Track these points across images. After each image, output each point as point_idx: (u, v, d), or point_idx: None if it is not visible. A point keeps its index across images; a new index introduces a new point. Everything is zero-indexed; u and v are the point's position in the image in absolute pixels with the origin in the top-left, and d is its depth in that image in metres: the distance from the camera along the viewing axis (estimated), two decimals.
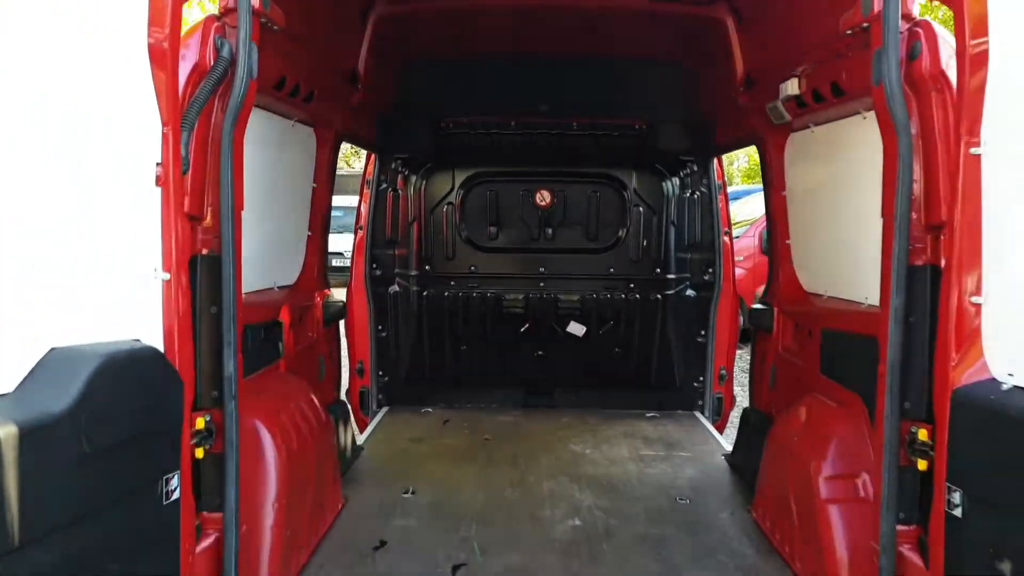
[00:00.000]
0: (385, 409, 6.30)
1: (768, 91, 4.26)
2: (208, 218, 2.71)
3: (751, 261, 11.48)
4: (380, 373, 6.32)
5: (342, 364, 5.24)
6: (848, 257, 3.76)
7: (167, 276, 2.43)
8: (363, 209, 6.18)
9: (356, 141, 5.19)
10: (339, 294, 5.51)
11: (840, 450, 3.35)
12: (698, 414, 6.28)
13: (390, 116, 5.81)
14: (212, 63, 2.60)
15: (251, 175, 3.54)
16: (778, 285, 4.66)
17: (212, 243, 2.70)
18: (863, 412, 3.34)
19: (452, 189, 6.02)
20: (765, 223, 12.78)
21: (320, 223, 4.63)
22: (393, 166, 6.07)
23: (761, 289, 11.28)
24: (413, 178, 6.04)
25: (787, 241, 4.59)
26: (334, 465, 4.07)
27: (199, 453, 2.65)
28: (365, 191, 6.19)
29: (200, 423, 2.66)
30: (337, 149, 4.69)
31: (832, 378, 3.78)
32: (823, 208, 4.10)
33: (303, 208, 4.48)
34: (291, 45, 3.54)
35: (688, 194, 6.10)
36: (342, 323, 6.16)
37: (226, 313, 2.65)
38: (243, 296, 3.42)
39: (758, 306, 4.88)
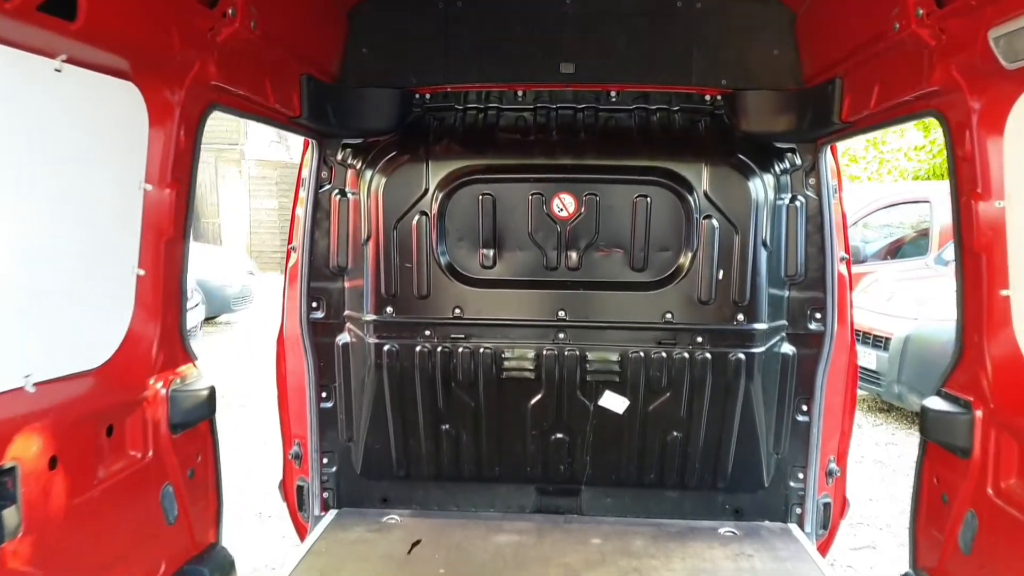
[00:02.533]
0: (332, 514, 4.30)
1: (988, 8, 2.19)
2: None
3: None
4: (324, 461, 4.33)
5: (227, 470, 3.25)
6: None
7: None
8: (298, 218, 4.19)
9: (253, 113, 3.17)
10: None
11: None
12: (795, 529, 4.19)
13: (330, 79, 3.80)
14: None
15: None
16: (982, 368, 2.56)
17: None
18: None
19: (426, 192, 3.97)
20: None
21: (164, 254, 2.63)
22: (340, 156, 4.05)
23: None
24: (368, 174, 4.00)
25: (1003, 292, 2.49)
26: None
27: None
28: (299, 193, 4.21)
29: None
30: (197, 123, 2.68)
31: None
32: None
33: (119, 228, 2.49)
34: None
35: (787, 200, 3.99)
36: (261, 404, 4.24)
37: None
38: None
39: (938, 404, 2.76)
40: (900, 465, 8.19)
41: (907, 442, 8.90)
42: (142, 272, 2.57)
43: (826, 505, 4.19)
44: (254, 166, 26.58)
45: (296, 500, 4.33)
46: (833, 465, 4.15)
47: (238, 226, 26.12)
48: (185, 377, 2.76)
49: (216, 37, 2.60)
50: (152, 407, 2.60)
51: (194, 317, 12.16)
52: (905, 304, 9.35)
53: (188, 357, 2.82)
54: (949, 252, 11.24)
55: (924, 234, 12.43)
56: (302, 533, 4.35)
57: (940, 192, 13.25)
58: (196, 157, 2.71)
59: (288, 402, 4.28)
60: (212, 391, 2.84)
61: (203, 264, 14.54)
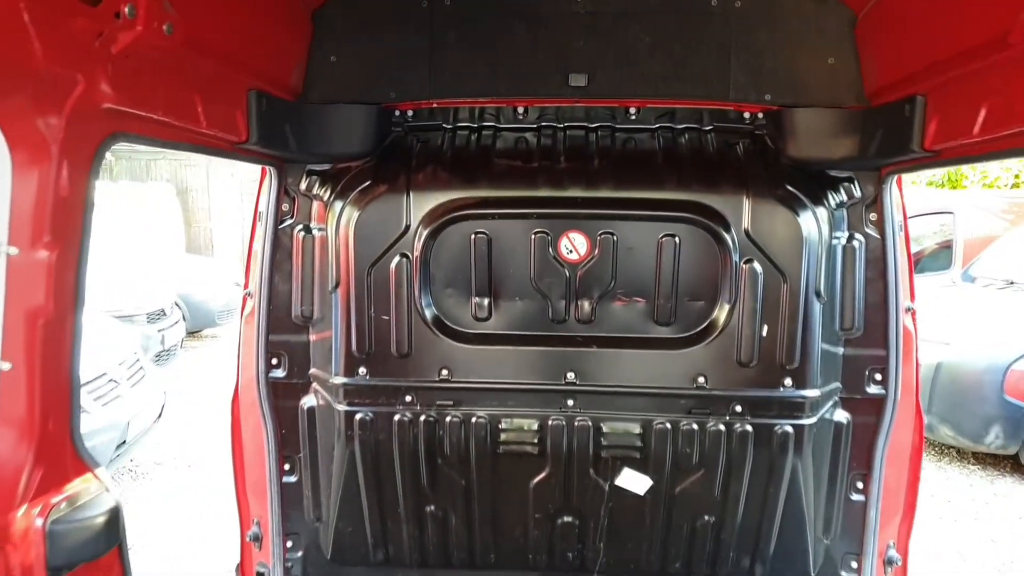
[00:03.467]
0: None
1: None
2: None
3: None
4: (288, 545, 3.65)
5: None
6: None
7: None
8: (254, 257, 3.51)
9: (178, 141, 2.48)
10: None
11: None
12: None
13: (288, 94, 3.12)
14: None
15: None
16: None
17: None
18: None
19: (407, 229, 3.29)
20: None
21: (42, 339, 1.94)
22: (304, 185, 3.38)
23: None
24: (338, 206, 3.33)
25: None
26: None
27: None
28: (255, 228, 3.52)
29: None
30: (90, 161, 1.99)
31: None
32: None
33: None
34: None
35: (843, 239, 3.31)
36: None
37: None
38: None
39: None
40: (932, 505, 7.53)
41: (937, 479, 8.23)
42: (6, 366, 1.88)
43: None
44: (247, 169, 25.86)
45: None
46: (893, 552, 3.48)
47: (230, 231, 25.41)
48: (76, 498, 2.07)
49: (109, 46, 1.91)
50: (19, 550, 1.91)
51: (174, 335, 11.50)
52: (934, 326, 8.68)
53: (84, 467, 2.13)
54: (976, 268, 10.58)
55: (945, 246, 11.78)
56: None
57: (963, 202, 12.59)
58: (89, 206, 2.02)
59: (245, 475, 3.61)
60: (116, 512, 2.14)
61: (187, 278, 13.90)
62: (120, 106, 2.01)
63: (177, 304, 12.58)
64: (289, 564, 3.66)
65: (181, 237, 21.86)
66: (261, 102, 2.79)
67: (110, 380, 6.99)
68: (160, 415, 7.95)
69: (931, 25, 2.62)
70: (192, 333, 13.85)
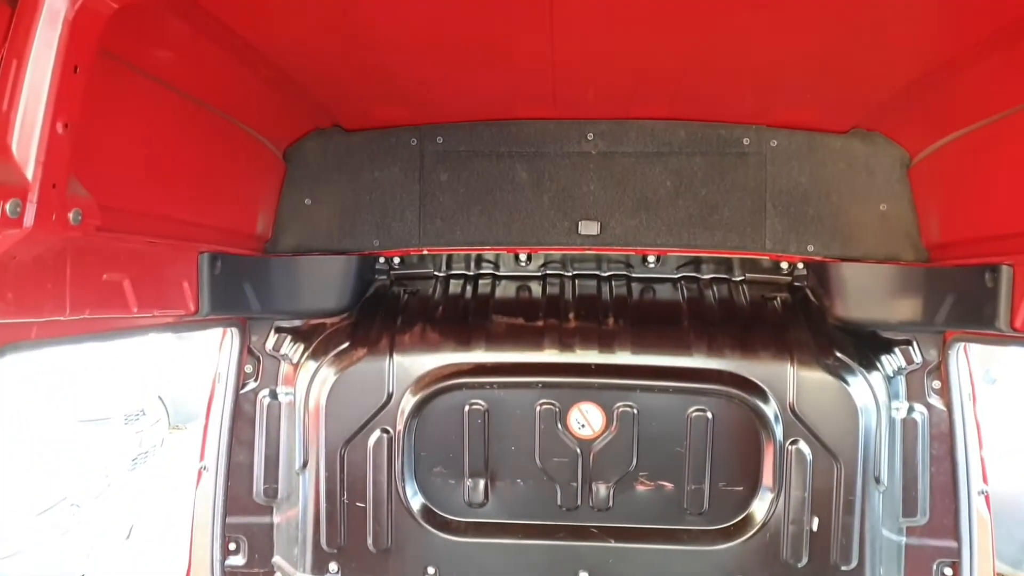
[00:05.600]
0: None
1: None
2: None
3: None
4: None
5: None
6: None
7: None
8: (211, 426, 3.01)
9: (100, 334, 2.02)
10: None
11: None
12: None
13: (252, 247, 2.68)
14: None
15: None
16: None
17: None
18: None
19: (389, 399, 2.81)
20: None
21: None
22: (270, 343, 2.91)
23: None
24: (310, 369, 2.86)
25: None
26: None
27: None
28: (214, 393, 3.03)
29: None
30: None
31: None
32: None
33: None
34: None
35: (903, 411, 2.83)
36: None
37: None
38: None
39: None
40: None
41: None
42: None
43: None
44: None
45: None
46: None
47: None
48: None
49: None
50: None
51: (153, 435, 10.85)
52: None
53: None
54: (998, 369, 10.03)
55: None
56: None
57: None
58: None
59: None
60: None
61: (171, 369, 13.30)
62: (4, 319, 1.55)
63: (160, 398, 11.98)
64: None
65: None
66: (215, 265, 2.34)
67: (71, 505, 6.40)
68: (129, 535, 7.31)
69: (1011, 186, 2.18)
70: (173, 426, 13.20)
